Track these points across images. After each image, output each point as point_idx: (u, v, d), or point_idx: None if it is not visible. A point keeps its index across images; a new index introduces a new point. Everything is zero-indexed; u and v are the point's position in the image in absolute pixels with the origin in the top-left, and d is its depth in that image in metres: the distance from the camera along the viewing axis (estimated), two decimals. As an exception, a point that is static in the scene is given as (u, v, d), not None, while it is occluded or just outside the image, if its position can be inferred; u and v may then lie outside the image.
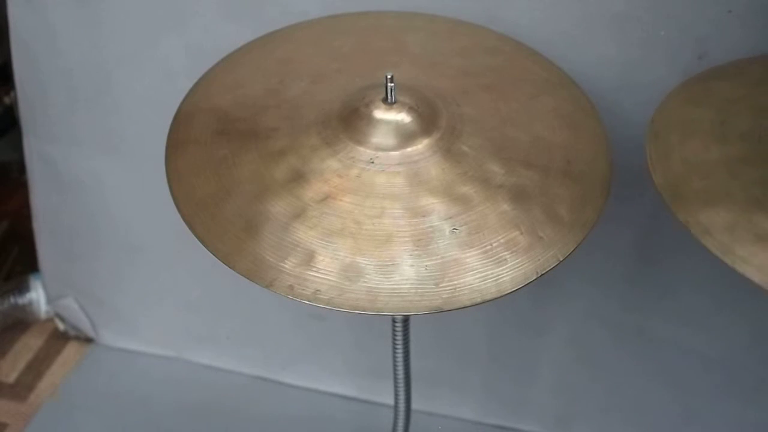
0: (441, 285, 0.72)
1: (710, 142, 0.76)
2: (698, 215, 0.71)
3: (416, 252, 0.74)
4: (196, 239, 0.77)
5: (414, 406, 1.08)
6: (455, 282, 0.73)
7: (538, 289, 1.17)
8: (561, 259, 0.76)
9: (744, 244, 0.68)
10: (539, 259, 0.75)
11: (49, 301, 1.52)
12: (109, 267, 1.45)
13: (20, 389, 1.46)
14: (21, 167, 1.44)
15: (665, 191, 0.74)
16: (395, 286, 0.72)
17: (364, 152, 0.81)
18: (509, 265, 0.74)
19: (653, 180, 0.75)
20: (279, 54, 0.96)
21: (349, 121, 0.83)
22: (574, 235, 0.77)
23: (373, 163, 0.80)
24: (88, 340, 1.53)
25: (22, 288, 1.52)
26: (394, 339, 0.98)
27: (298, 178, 0.79)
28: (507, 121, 0.86)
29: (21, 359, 1.50)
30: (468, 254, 0.74)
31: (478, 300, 0.72)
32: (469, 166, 0.80)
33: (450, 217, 0.76)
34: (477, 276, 0.73)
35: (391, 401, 1.07)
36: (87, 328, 1.51)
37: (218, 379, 1.47)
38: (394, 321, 0.96)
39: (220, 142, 0.85)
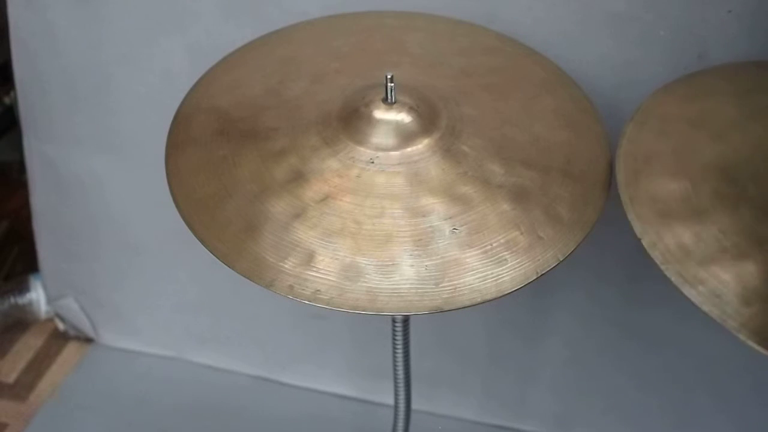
0: (441, 285, 0.72)
1: (741, 266, 0.73)
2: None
3: (416, 252, 0.74)
4: (196, 239, 0.77)
5: (414, 406, 1.08)
6: (455, 282, 0.73)
7: (537, 289, 1.17)
8: (561, 259, 0.76)
9: None
10: (539, 259, 0.75)
11: (49, 301, 1.52)
12: (109, 267, 1.45)
13: (20, 389, 1.46)
14: (21, 167, 1.44)
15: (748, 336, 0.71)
16: (395, 286, 0.72)
17: (364, 152, 0.81)
18: (509, 265, 0.74)
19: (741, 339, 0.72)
20: (279, 54, 0.96)
21: (349, 121, 0.83)
22: (574, 235, 0.77)
23: (373, 163, 0.80)
24: (88, 340, 1.53)
25: (22, 288, 1.52)
26: (394, 339, 0.98)
27: (298, 178, 0.79)
28: (507, 121, 0.86)
29: (21, 359, 1.50)
30: (468, 254, 0.74)
31: (478, 300, 0.72)
32: (469, 166, 0.80)
33: (450, 217, 0.76)
34: (477, 276, 0.73)
35: (391, 401, 1.07)
36: (87, 328, 1.51)
37: (218, 379, 1.47)
38: (394, 321, 0.96)
39: (220, 142, 0.85)
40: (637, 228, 0.77)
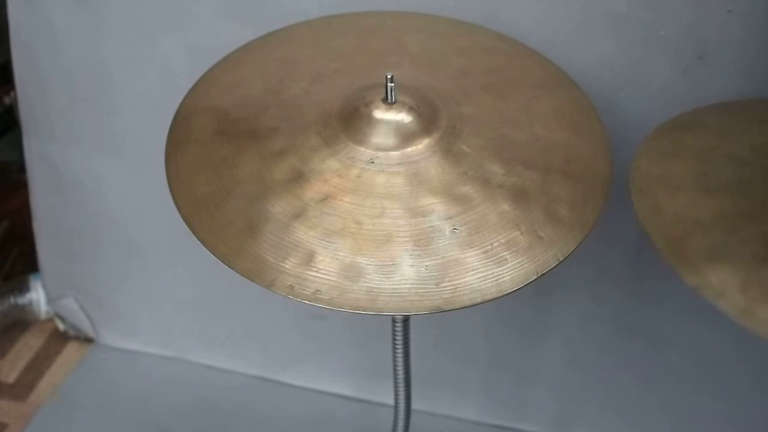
0: (441, 285, 0.72)
1: (698, 196, 0.75)
2: (708, 276, 0.68)
3: (416, 252, 0.74)
4: (196, 239, 0.77)
5: (414, 406, 1.08)
6: (456, 282, 0.73)
7: (538, 289, 1.17)
8: (561, 259, 0.76)
9: (763, 304, 0.66)
10: (539, 259, 0.75)
11: (49, 301, 1.52)
12: (109, 267, 1.45)
13: (20, 389, 1.46)
14: (21, 167, 1.44)
15: (668, 253, 0.71)
16: (395, 286, 0.72)
17: (364, 152, 0.81)
18: (509, 264, 0.74)
19: (652, 240, 0.73)
20: (279, 54, 0.96)
21: (349, 121, 0.83)
22: (575, 234, 0.77)
23: (373, 163, 0.80)
24: (88, 340, 1.53)
25: (22, 288, 1.52)
26: (394, 339, 0.98)
27: (298, 178, 0.79)
28: (507, 121, 0.86)
29: (21, 359, 1.50)
30: (468, 254, 0.74)
31: (479, 300, 0.72)
32: (469, 166, 0.80)
33: (450, 217, 0.76)
34: (477, 276, 0.73)
35: (391, 401, 1.07)
36: (87, 328, 1.51)
37: (218, 379, 1.47)
38: (394, 321, 0.96)
39: (220, 142, 0.85)
40: (638, 154, 0.81)
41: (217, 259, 0.76)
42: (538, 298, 1.27)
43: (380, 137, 0.81)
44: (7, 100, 1.64)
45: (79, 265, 1.46)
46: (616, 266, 1.21)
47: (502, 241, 0.75)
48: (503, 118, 0.87)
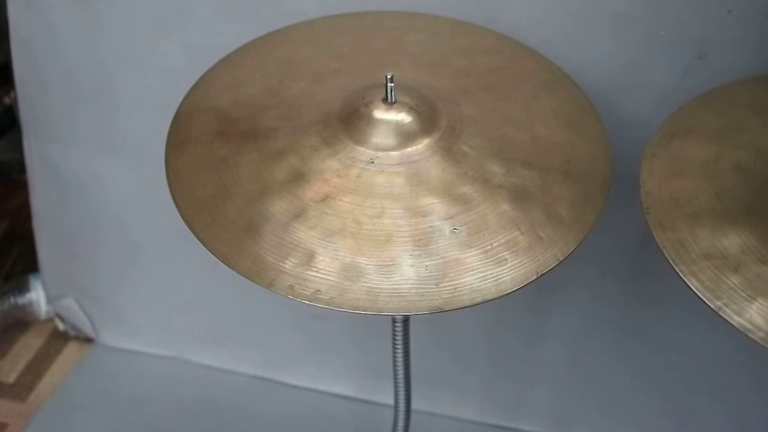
0: (441, 285, 0.72)
1: (719, 224, 0.74)
2: (754, 318, 0.68)
3: (416, 252, 0.74)
4: (196, 239, 0.77)
5: (414, 406, 1.08)
6: (455, 282, 0.73)
7: (537, 290, 1.17)
8: (561, 259, 0.76)
9: None
10: (539, 259, 0.75)
11: (49, 301, 1.52)
12: (109, 267, 1.45)
13: (20, 389, 1.46)
14: (21, 167, 1.44)
15: (708, 297, 0.70)
16: (395, 286, 0.72)
17: (364, 152, 0.81)
18: (509, 265, 0.74)
19: (685, 281, 0.72)
20: (279, 54, 0.96)
21: (349, 121, 0.83)
22: (575, 235, 0.77)
23: (373, 163, 0.80)
24: (88, 340, 1.53)
25: (22, 288, 1.52)
26: (394, 339, 0.98)
27: (298, 178, 0.79)
28: (507, 121, 0.86)
29: (21, 359, 1.50)
30: (468, 254, 0.74)
31: (479, 300, 0.72)
32: (469, 166, 0.80)
33: (450, 217, 0.76)
34: (477, 276, 0.73)
35: (391, 401, 1.07)
36: (87, 328, 1.51)
37: (218, 379, 1.47)
38: (394, 321, 0.96)
39: (220, 142, 0.85)
40: (644, 174, 0.80)
41: (217, 259, 0.76)
42: (538, 297, 1.27)
43: (380, 137, 0.81)
44: (7, 100, 1.64)
45: (79, 265, 1.46)
46: (616, 266, 1.21)
47: (502, 241, 0.75)
48: (503, 118, 0.87)
